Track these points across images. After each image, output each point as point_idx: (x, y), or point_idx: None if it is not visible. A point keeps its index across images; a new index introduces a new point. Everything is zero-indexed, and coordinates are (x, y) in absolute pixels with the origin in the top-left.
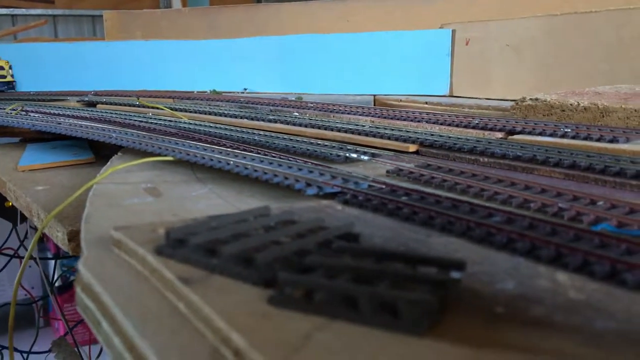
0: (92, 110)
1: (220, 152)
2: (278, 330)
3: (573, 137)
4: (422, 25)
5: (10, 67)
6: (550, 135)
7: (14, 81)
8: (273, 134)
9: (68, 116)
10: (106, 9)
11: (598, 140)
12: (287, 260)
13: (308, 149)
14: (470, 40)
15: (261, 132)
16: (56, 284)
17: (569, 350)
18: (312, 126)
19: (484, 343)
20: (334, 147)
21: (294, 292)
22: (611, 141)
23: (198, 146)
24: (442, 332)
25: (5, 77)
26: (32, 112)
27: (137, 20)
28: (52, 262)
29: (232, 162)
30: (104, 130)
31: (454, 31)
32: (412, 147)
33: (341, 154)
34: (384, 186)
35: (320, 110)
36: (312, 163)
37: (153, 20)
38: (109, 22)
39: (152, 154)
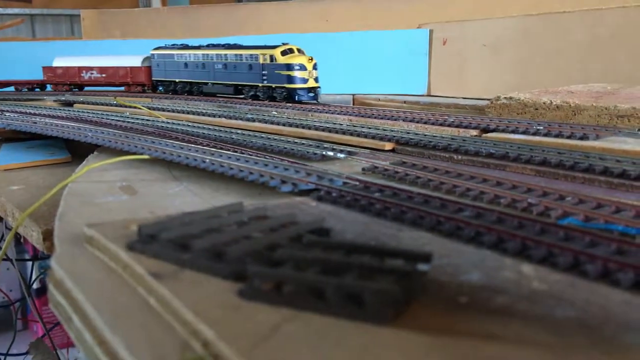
0: (68, 110)
1: (197, 151)
2: (247, 321)
3: (545, 135)
4: (400, 25)
5: (314, 67)
6: (523, 132)
7: (319, 87)
8: (251, 133)
9: (44, 115)
10: (85, 8)
11: (569, 137)
12: (258, 254)
13: (285, 148)
14: (447, 40)
15: (239, 131)
16: (34, 286)
17: (528, 338)
18: (290, 125)
19: (446, 331)
20: (311, 145)
21: (264, 285)
22: (582, 138)
23: (174, 145)
24: (406, 321)
25: (306, 80)
26: (7, 111)
27: (116, 19)
28: (30, 264)
29: (207, 161)
30: (79, 129)
31: (431, 31)
32: (389, 145)
33: (318, 152)
34: (357, 183)
35: (298, 110)
36: (288, 161)
37: (131, 19)
38: (86, 21)
39: (128, 153)
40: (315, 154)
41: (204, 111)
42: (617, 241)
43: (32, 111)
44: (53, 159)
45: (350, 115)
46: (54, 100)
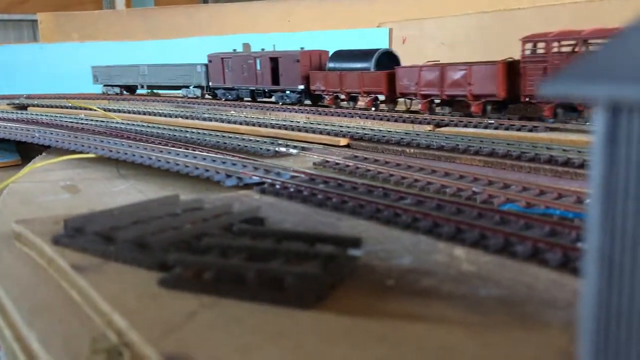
0: (21, 113)
1: (145, 149)
2: (163, 310)
3: (496, 128)
4: (361, 24)
5: None
6: (475, 126)
7: None
8: (206, 132)
9: None
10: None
11: (518, 130)
12: (184, 244)
13: (239, 145)
14: (406, 39)
15: (194, 130)
16: None
17: (449, 317)
18: (247, 123)
19: (367, 313)
20: (265, 142)
21: (185, 273)
22: (530, 131)
23: (123, 143)
24: (330, 304)
25: None
26: None
27: (74, 22)
28: None
29: (154, 157)
30: (28, 130)
31: (391, 30)
32: (343, 141)
33: (271, 148)
34: (303, 176)
35: (257, 109)
36: (238, 157)
37: (90, 21)
38: (43, 24)
39: (75, 152)
40: (269, 150)
41: (160, 112)
42: (551, 223)
43: None
44: (1, 162)
45: (307, 113)
46: (8, 104)
